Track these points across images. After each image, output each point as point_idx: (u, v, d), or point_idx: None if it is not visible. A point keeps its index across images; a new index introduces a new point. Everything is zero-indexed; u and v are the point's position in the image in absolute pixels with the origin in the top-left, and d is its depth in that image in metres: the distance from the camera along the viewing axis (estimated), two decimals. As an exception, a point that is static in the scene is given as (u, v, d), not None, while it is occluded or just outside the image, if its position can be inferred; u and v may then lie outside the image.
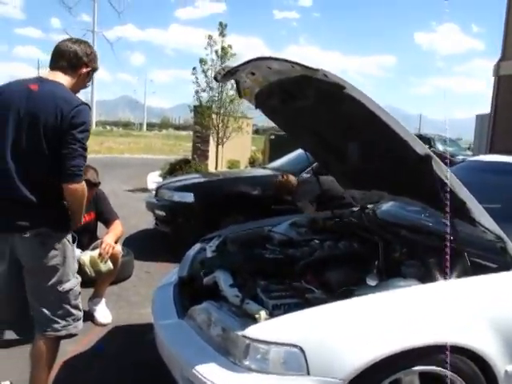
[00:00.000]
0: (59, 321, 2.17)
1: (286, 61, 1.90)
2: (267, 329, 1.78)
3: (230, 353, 1.82)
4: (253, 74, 2.44)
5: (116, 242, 3.31)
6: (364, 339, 1.72)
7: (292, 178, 4.63)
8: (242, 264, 2.46)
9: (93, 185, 3.28)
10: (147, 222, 6.26)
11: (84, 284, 3.37)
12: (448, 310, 1.84)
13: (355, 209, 3.42)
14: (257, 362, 1.73)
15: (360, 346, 1.71)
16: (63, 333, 2.20)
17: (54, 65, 2.23)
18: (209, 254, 2.81)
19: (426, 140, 13.43)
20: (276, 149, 10.51)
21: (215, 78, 2.61)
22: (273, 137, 12.25)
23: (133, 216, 7.08)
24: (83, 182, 2.15)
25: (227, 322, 1.93)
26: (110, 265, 3.09)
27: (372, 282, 2.02)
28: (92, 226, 3.52)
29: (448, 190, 1.87)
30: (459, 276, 1.97)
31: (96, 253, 3.06)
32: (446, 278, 1.91)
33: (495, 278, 1.99)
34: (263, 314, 1.85)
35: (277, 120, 3.21)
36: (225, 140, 11.45)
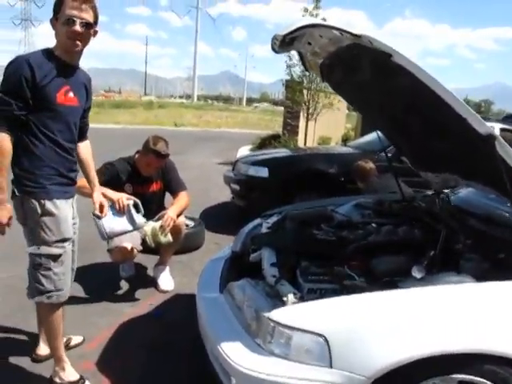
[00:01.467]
0: (39, 287, 2.14)
1: (330, 27, 1.74)
2: (293, 313, 1.70)
3: (257, 334, 1.77)
4: (309, 43, 2.28)
5: (180, 214, 3.37)
6: (397, 337, 1.57)
7: (370, 167, 4.35)
8: (289, 243, 2.38)
9: (162, 156, 3.36)
10: (227, 195, 6.35)
11: (149, 251, 3.58)
12: (501, 316, 1.61)
13: (430, 193, 3.15)
14: (280, 346, 1.66)
15: (392, 343, 1.56)
16: (45, 300, 2.15)
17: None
18: (263, 230, 2.77)
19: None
20: (367, 126, 10.10)
21: (273, 49, 2.49)
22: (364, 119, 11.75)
23: (215, 188, 7.25)
24: None
25: (258, 302, 1.87)
26: (169, 237, 3.16)
27: (418, 274, 1.82)
28: (159, 196, 3.61)
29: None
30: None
31: (158, 224, 3.14)
32: (505, 278, 1.68)
33: None
34: (291, 297, 1.76)
35: (344, 95, 3.03)
36: (315, 116, 11.24)
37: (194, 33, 77.62)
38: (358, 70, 2.23)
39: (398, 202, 3.00)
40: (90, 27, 2.07)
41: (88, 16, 2.04)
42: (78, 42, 2.05)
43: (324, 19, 10.26)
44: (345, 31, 1.68)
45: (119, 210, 2.90)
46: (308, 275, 1.99)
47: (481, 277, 1.78)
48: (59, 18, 2.04)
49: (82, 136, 2.38)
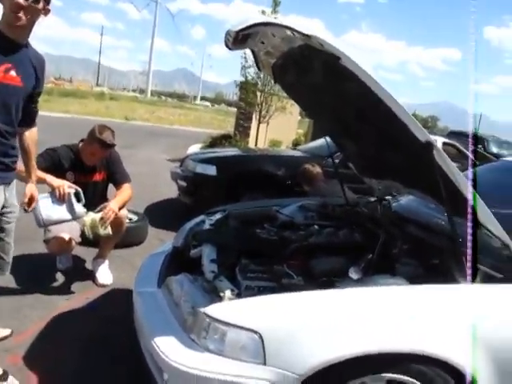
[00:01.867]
0: None
1: (282, 25, 1.74)
2: (229, 309, 1.68)
3: (192, 329, 1.74)
4: (262, 42, 2.28)
5: (122, 207, 3.28)
6: (330, 336, 1.58)
7: (317, 171, 4.39)
8: (230, 240, 2.37)
9: (107, 146, 3.26)
10: (174, 191, 6.26)
11: (88, 243, 3.45)
12: (432, 317, 1.66)
13: (372, 199, 3.24)
14: (214, 342, 1.64)
15: (324, 342, 1.57)
16: None
17: None
18: (206, 227, 2.74)
19: (480, 140, 12.73)
20: (318, 132, 10.28)
21: (226, 46, 2.47)
22: (313, 123, 11.98)
23: (162, 184, 7.13)
24: None
25: (195, 297, 1.85)
26: (109, 230, 3.06)
27: (354, 275, 1.87)
28: (101, 187, 3.49)
29: (450, 183, 1.69)
30: (453, 281, 1.78)
31: (99, 216, 3.04)
32: (438, 282, 1.75)
33: (497, 288, 1.79)
34: (228, 293, 1.75)
35: (294, 97, 3.06)
36: (267, 119, 11.33)
37: (151, 27, 76.32)
38: (309, 71, 2.25)
39: (342, 206, 3.05)
40: (36, 2, 1.95)
41: None
42: (21, 15, 1.93)
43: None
44: (296, 31, 1.68)
45: (59, 198, 2.78)
46: (247, 272, 1.99)
47: (414, 280, 1.84)
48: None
49: (30, 122, 2.24)
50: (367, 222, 2.62)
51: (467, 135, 11.91)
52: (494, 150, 12.93)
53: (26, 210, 2.38)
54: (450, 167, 1.70)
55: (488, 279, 1.80)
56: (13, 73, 2.01)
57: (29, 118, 2.21)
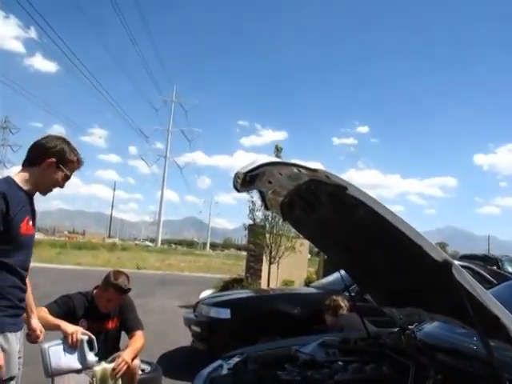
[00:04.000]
0: None
1: (288, 164, 1.86)
2: None
3: None
4: (270, 182, 2.40)
5: (135, 357, 3.15)
6: None
7: (345, 304, 4.36)
8: (251, 385, 2.22)
9: (123, 291, 3.26)
10: (188, 339, 6.04)
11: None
12: None
13: (395, 330, 3.10)
14: None
15: None
16: None
17: (22, 164, 2.25)
18: (224, 372, 2.59)
19: (494, 260, 12.57)
20: (329, 268, 10.23)
21: (235, 188, 2.59)
22: (326, 256, 11.98)
23: (174, 332, 6.92)
24: None
25: None
26: (119, 383, 2.91)
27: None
28: (115, 334, 3.40)
29: (476, 303, 1.64)
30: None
31: (111, 366, 2.91)
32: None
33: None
34: None
35: (304, 233, 3.12)
36: (277, 259, 11.37)
37: (160, 180, 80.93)
38: (317, 206, 2.33)
39: (364, 339, 2.92)
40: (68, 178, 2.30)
41: None
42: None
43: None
44: (302, 167, 1.79)
45: (71, 345, 2.69)
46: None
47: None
48: (59, 165, 2.19)
49: None
50: (393, 353, 2.48)
51: (479, 257, 11.80)
52: (510, 268, 12.68)
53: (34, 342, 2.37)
54: (473, 285, 1.66)
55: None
56: (30, 223, 2.15)
57: None
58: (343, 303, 4.35)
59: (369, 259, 2.58)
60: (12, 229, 2.01)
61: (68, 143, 2.26)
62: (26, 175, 2.16)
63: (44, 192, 2.26)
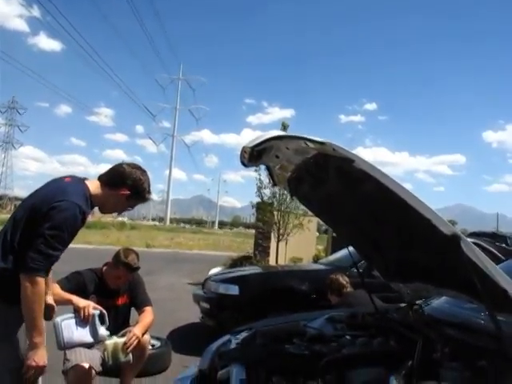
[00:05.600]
0: None
1: (295, 137, 1.83)
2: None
3: None
4: (277, 157, 2.37)
5: (145, 332, 3.19)
6: None
7: (345, 280, 4.32)
8: (259, 358, 2.24)
9: (132, 269, 3.29)
10: (197, 315, 6.12)
11: (109, 374, 3.28)
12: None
13: (402, 305, 3.10)
14: None
15: None
16: None
17: (99, 176, 2.34)
18: (232, 346, 2.62)
19: (502, 238, 12.52)
20: (337, 245, 10.25)
21: (242, 163, 2.57)
22: (335, 234, 12.00)
23: (184, 308, 7.00)
24: (38, 284, 1.97)
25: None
26: (130, 357, 2.95)
27: (397, 385, 1.72)
28: (125, 310, 3.44)
29: (485, 276, 1.62)
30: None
31: (122, 341, 2.95)
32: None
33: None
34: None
35: (312, 208, 3.10)
36: (285, 236, 11.41)
37: (168, 159, 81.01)
38: (325, 180, 2.30)
39: (372, 314, 2.93)
40: None
41: None
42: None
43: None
44: (309, 140, 1.77)
45: (83, 319, 2.73)
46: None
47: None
48: (130, 195, 2.31)
49: None
50: (401, 328, 2.48)
51: (488, 235, 11.76)
52: (518, 246, 12.62)
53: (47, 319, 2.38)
54: (482, 259, 1.64)
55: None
56: None
57: None
58: (344, 280, 4.27)
59: (377, 234, 2.56)
60: (70, 240, 2.12)
61: (148, 181, 2.37)
62: (99, 192, 2.26)
63: (104, 212, 2.37)
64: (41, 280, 1.97)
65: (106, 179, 2.29)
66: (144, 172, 2.37)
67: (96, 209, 2.32)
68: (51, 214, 1.99)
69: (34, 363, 2.00)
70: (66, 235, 2.03)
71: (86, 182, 2.25)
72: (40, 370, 2.03)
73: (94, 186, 2.25)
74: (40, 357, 2.01)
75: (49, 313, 2.37)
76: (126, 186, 2.28)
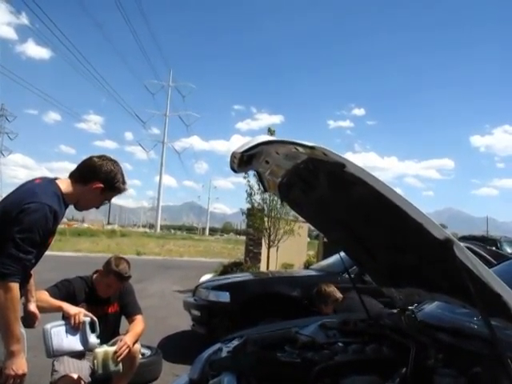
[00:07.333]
0: None
1: (284, 142, 1.81)
2: None
3: None
4: (267, 162, 2.35)
5: (136, 341, 3.14)
6: None
7: (332, 289, 4.27)
8: (250, 366, 2.20)
9: (124, 278, 3.25)
10: (188, 323, 6.06)
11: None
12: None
13: (394, 311, 3.09)
14: None
15: None
16: None
17: (70, 173, 2.28)
18: (223, 355, 2.57)
19: (492, 241, 12.61)
20: (328, 251, 10.24)
21: (232, 169, 2.54)
22: (326, 239, 11.99)
23: (175, 316, 6.94)
24: (11, 289, 1.89)
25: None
26: (120, 367, 2.89)
27: (390, 393, 1.69)
28: (115, 319, 3.40)
29: (478, 281, 1.60)
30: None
31: (112, 350, 2.89)
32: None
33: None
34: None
35: (303, 214, 3.08)
36: (277, 243, 11.37)
37: (158, 165, 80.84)
38: (316, 185, 2.28)
39: (364, 320, 2.90)
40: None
41: None
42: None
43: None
44: (299, 144, 1.74)
45: (74, 326, 2.67)
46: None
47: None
48: (104, 188, 2.24)
49: None
50: (394, 334, 2.46)
51: (478, 238, 11.85)
52: (509, 249, 12.73)
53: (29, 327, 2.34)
54: (475, 263, 1.62)
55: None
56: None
57: None
58: (330, 288, 4.23)
59: (369, 238, 2.55)
60: (43, 241, 2.03)
61: (121, 172, 2.32)
62: (71, 189, 2.21)
63: (80, 209, 2.30)
64: (14, 285, 1.90)
65: (77, 175, 2.24)
66: (115, 162, 2.31)
67: (81, 214, 2.29)
68: (20, 217, 1.95)
69: (12, 372, 1.93)
70: (37, 237, 1.97)
71: (57, 182, 2.20)
72: (19, 379, 1.96)
73: (65, 184, 2.20)
74: (19, 365, 1.94)
75: (31, 321, 2.32)
76: (98, 180, 2.22)
